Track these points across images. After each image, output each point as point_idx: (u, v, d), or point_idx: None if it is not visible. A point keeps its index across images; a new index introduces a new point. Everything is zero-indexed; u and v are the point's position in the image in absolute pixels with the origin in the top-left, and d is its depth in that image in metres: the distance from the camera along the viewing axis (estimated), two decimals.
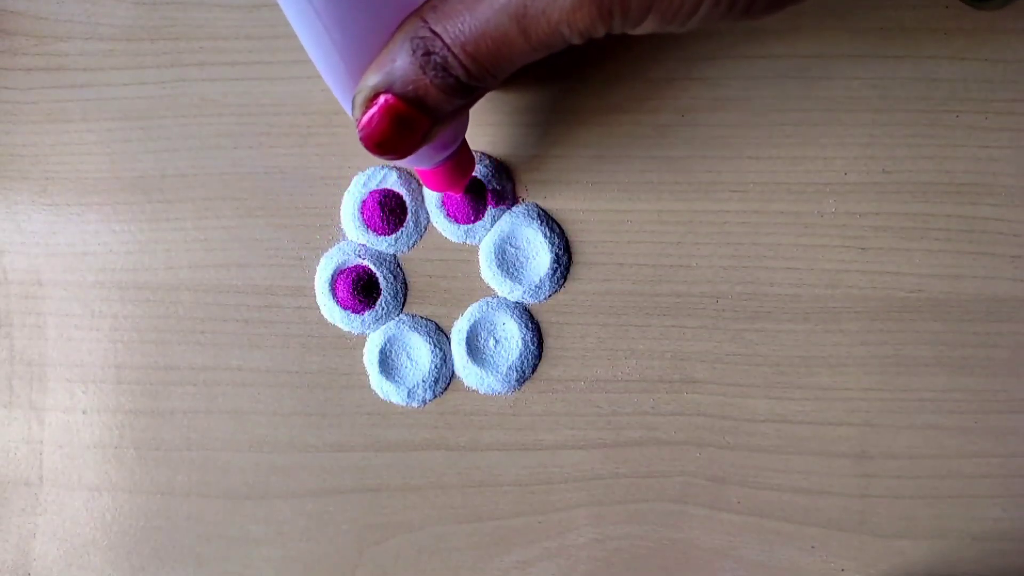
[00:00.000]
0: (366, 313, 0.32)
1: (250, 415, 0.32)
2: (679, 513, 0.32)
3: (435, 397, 0.32)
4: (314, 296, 0.32)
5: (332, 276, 0.32)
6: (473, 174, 0.31)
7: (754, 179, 0.31)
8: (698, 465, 0.32)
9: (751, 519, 0.32)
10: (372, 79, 0.22)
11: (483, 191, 0.32)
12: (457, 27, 0.20)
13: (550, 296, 0.32)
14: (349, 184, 0.32)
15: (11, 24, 0.33)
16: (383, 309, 0.32)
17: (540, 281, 0.32)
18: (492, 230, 0.32)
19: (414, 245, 0.32)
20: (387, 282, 0.32)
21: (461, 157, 0.28)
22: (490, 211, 0.32)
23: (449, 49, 0.21)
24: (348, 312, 0.32)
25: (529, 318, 0.32)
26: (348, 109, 0.24)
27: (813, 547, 0.31)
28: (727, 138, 0.31)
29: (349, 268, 0.32)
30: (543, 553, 0.32)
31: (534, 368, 0.32)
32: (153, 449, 0.33)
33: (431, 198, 0.32)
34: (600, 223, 0.32)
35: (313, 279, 0.32)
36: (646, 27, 0.21)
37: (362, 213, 0.32)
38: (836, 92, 0.31)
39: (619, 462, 0.32)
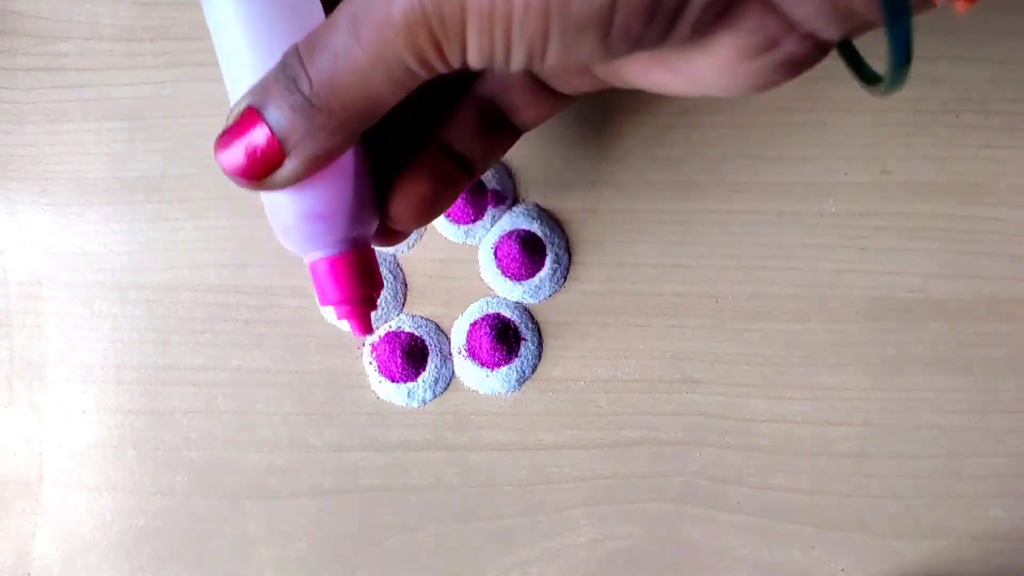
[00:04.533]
0: None
1: (250, 415, 0.32)
2: (679, 513, 0.32)
3: (435, 397, 0.32)
4: (314, 296, 0.32)
5: None
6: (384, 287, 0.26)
7: (754, 179, 0.31)
8: (698, 465, 0.32)
9: (751, 519, 0.32)
10: (244, 96, 0.21)
11: (483, 191, 0.32)
12: (310, 40, 0.20)
13: (550, 296, 0.32)
14: None
15: (11, 24, 0.33)
16: (383, 309, 0.32)
17: (540, 281, 0.32)
18: (492, 230, 0.32)
19: (414, 245, 0.32)
20: (387, 282, 0.32)
21: (360, 258, 0.23)
22: (490, 211, 0.32)
23: (300, 61, 0.20)
24: None
25: (529, 318, 0.32)
26: None
27: (813, 547, 0.31)
28: (727, 138, 0.31)
29: None
30: (543, 553, 0.32)
31: (534, 368, 0.32)
32: (153, 449, 0.33)
33: None
34: (600, 223, 0.32)
35: None
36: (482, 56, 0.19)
37: None
38: (836, 92, 0.31)
39: (619, 462, 0.32)
